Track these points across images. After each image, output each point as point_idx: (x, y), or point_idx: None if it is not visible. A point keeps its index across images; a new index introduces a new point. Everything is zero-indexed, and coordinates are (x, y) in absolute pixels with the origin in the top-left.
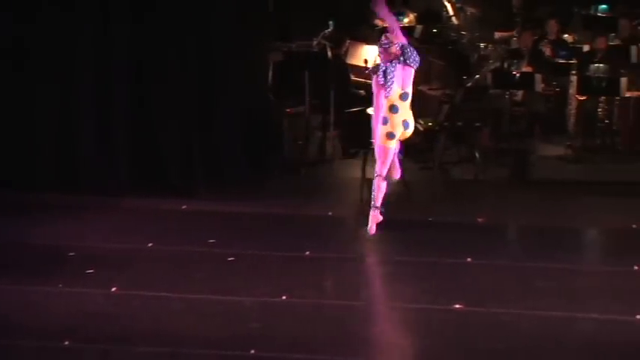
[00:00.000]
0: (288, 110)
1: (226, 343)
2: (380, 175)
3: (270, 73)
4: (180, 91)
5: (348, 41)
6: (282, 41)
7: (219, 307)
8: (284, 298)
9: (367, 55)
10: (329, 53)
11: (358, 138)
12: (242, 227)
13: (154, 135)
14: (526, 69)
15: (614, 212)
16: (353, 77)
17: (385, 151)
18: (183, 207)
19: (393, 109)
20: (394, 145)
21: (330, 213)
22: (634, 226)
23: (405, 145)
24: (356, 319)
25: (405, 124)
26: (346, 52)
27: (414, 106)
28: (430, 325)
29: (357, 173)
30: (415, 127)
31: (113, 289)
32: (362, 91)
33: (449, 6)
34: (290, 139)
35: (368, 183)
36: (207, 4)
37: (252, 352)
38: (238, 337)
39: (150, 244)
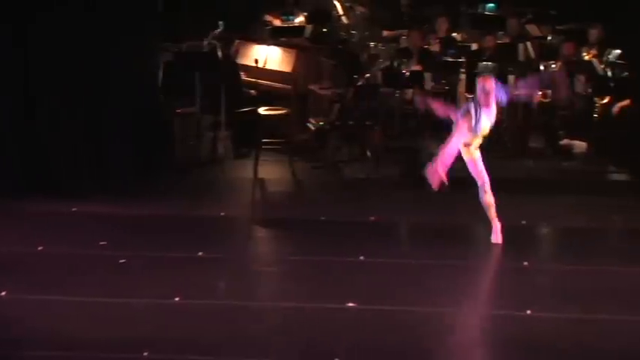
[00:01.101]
0: (178, 111)
1: (119, 346)
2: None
3: (160, 74)
4: (68, 93)
5: (238, 41)
6: (172, 42)
7: (112, 310)
8: (177, 299)
9: (257, 54)
10: (219, 53)
11: (249, 138)
12: (134, 229)
13: (43, 137)
14: (416, 68)
15: (504, 209)
16: (243, 77)
17: (474, 162)
18: (73, 209)
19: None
20: (477, 153)
21: (222, 213)
22: (524, 222)
23: (297, 145)
24: (249, 320)
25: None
26: (236, 52)
27: (305, 106)
28: (323, 323)
29: (249, 173)
30: (307, 126)
31: (3, 294)
32: (253, 91)
33: (338, 5)
34: (181, 139)
35: (260, 183)
36: (96, 4)
37: (145, 354)
38: (131, 339)
39: (40, 248)
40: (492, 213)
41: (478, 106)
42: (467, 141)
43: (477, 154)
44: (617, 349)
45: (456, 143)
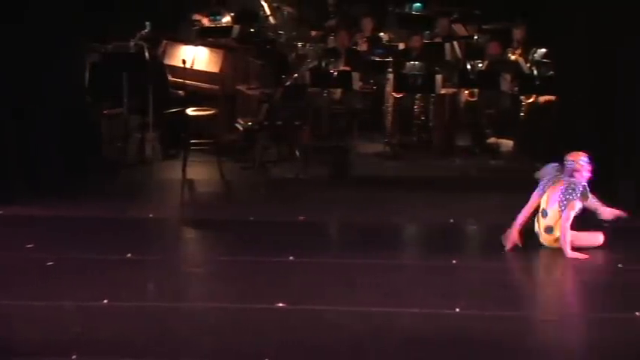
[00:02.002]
0: (105, 112)
1: (47, 349)
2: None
3: (87, 75)
4: None
5: (165, 42)
6: (99, 42)
7: (39, 313)
8: (105, 301)
9: (185, 55)
10: (146, 54)
11: (178, 139)
12: (61, 231)
13: None
14: (343, 67)
15: (433, 207)
16: (171, 78)
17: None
18: (0, 212)
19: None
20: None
21: (151, 215)
22: (452, 220)
23: (225, 145)
24: (179, 321)
25: (548, 230)
26: (164, 53)
27: (233, 107)
28: (253, 324)
29: (178, 174)
30: (235, 126)
31: None
32: (180, 92)
33: (266, 6)
34: (108, 140)
35: (189, 184)
36: (22, 3)
37: (74, 357)
38: (59, 342)
39: None
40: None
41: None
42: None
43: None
44: (546, 345)
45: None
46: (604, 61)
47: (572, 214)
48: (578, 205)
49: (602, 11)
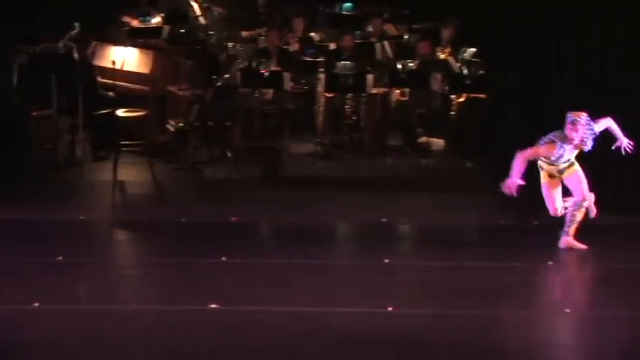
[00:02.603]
0: (34, 113)
1: None
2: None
3: (15, 76)
4: None
5: (95, 43)
6: (27, 43)
7: None
8: (36, 305)
9: (114, 56)
10: (75, 55)
11: (108, 140)
12: None
13: None
14: (274, 68)
15: (364, 207)
16: (101, 79)
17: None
18: None
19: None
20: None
21: (82, 217)
22: (384, 219)
23: (156, 146)
24: (111, 324)
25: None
26: (93, 54)
27: (164, 108)
28: (186, 325)
29: (108, 176)
30: (166, 127)
31: None
32: (111, 93)
33: (196, 6)
34: (38, 142)
35: (120, 185)
36: None
37: None
38: None
39: None
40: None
41: (565, 141)
42: (549, 171)
43: (566, 177)
44: (474, 343)
45: (525, 157)
46: (533, 60)
47: (534, 151)
48: (542, 150)
49: (532, 10)
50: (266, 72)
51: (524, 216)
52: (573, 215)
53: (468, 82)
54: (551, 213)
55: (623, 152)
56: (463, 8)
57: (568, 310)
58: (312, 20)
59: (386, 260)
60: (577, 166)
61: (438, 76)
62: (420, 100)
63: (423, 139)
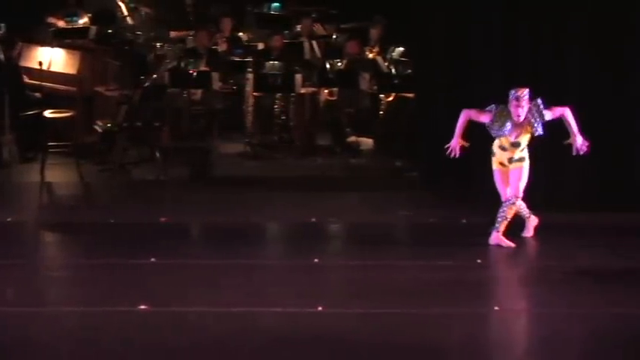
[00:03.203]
0: None
1: None
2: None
3: None
4: None
5: (21, 43)
6: None
7: None
8: None
9: (41, 57)
10: (1, 56)
11: (35, 141)
12: None
13: None
14: (203, 68)
15: (294, 207)
16: (27, 80)
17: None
18: None
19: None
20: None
21: (9, 219)
22: (313, 219)
23: (84, 147)
24: (40, 326)
25: (511, 160)
26: (19, 55)
27: (91, 108)
28: (115, 327)
29: (36, 177)
30: (93, 128)
31: None
32: (37, 94)
33: (123, 6)
34: None
35: (47, 187)
36: None
37: None
38: None
39: None
40: (524, 213)
41: (506, 114)
42: (500, 158)
43: (512, 168)
44: (403, 342)
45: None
46: (460, 59)
47: (478, 111)
48: (485, 117)
49: (458, 10)
50: (194, 72)
51: (453, 214)
52: (504, 212)
53: (396, 81)
54: (503, 198)
55: (574, 152)
56: (391, 8)
57: (497, 308)
58: (240, 20)
59: (315, 260)
60: (526, 164)
61: (367, 75)
62: (348, 100)
63: (352, 138)
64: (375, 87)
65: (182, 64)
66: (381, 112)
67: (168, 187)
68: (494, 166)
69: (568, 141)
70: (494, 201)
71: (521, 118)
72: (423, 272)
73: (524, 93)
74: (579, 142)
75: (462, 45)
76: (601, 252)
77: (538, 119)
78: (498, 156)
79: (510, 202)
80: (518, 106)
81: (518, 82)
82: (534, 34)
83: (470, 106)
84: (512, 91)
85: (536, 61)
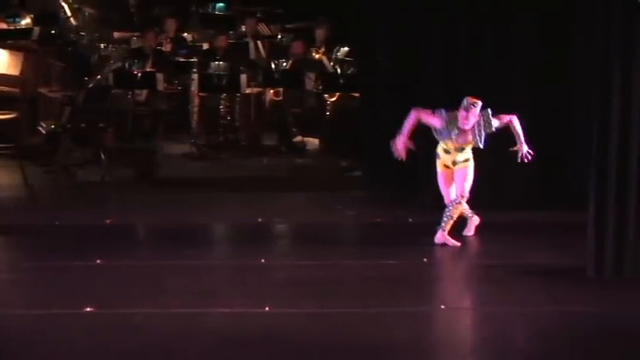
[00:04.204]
0: None
1: None
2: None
3: None
4: None
5: None
6: None
7: None
8: None
9: None
10: None
11: None
12: None
13: None
14: (148, 68)
15: (241, 207)
16: None
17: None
18: None
19: (447, 152)
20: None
21: None
22: (260, 219)
23: (28, 148)
24: None
25: (455, 163)
26: None
27: (35, 110)
28: (61, 330)
29: None
30: (37, 129)
31: None
32: None
33: (66, 7)
34: None
35: None
36: None
37: None
38: None
39: None
40: (467, 213)
41: (455, 120)
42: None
43: (457, 169)
44: (351, 341)
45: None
46: (405, 59)
47: (427, 113)
48: (436, 120)
49: (402, 9)
50: (139, 73)
51: (399, 213)
52: (450, 211)
53: (341, 81)
54: (446, 201)
55: (519, 160)
56: (336, 8)
57: (443, 307)
58: (185, 20)
59: (262, 260)
60: (471, 164)
61: (312, 75)
62: (294, 100)
63: (298, 138)
64: (321, 87)
65: (126, 65)
66: (327, 112)
67: (113, 188)
68: (439, 168)
69: (514, 148)
70: (440, 200)
71: (468, 127)
72: (369, 271)
73: (477, 105)
74: (524, 150)
75: (405, 45)
76: (546, 250)
77: (484, 131)
78: (443, 159)
79: (456, 201)
80: (466, 116)
81: (460, 81)
82: (477, 35)
83: (414, 106)
84: (465, 100)
85: (479, 62)
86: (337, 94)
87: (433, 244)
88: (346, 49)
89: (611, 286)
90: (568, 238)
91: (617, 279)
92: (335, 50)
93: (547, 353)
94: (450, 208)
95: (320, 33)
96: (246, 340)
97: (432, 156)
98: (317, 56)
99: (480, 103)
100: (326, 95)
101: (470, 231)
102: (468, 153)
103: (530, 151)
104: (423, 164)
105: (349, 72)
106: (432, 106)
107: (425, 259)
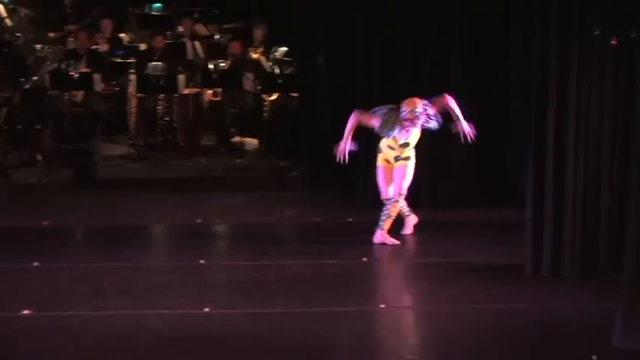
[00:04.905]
0: None
1: None
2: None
3: None
4: None
5: None
6: None
7: None
8: None
9: None
10: None
11: None
12: None
13: None
14: (84, 69)
15: (180, 208)
16: None
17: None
18: None
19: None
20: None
21: None
22: (199, 220)
23: None
24: None
25: (397, 159)
26: None
27: None
28: None
29: None
30: None
31: None
32: None
33: (1, 7)
34: None
35: None
36: None
37: None
38: None
39: None
40: (404, 211)
41: (395, 118)
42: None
43: (397, 166)
44: (290, 341)
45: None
46: (343, 59)
47: (369, 115)
48: (375, 121)
49: (340, 9)
50: (76, 74)
51: (338, 213)
52: (388, 210)
53: (280, 81)
54: (382, 196)
55: (463, 140)
56: (273, 7)
57: (383, 306)
58: (122, 21)
59: (202, 261)
60: (411, 163)
61: (250, 75)
62: (232, 100)
63: (237, 139)
64: (259, 87)
65: (63, 66)
66: (265, 113)
67: (50, 190)
68: (380, 162)
69: (455, 129)
70: (380, 199)
71: (410, 126)
72: (308, 271)
73: (418, 113)
74: (466, 126)
75: (344, 44)
76: (485, 248)
77: (429, 120)
78: (385, 153)
79: (393, 200)
80: (410, 125)
81: (399, 81)
82: (416, 34)
83: (353, 106)
84: (405, 111)
85: (418, 61)
86: (275, 94)
87: (373, 243)
88: (284, 49)
89: (548, 284)
90: (507, 236)
91: (554, 277)
92: (273, 50)
93: (485, 351)
94: (388, 207)
95: (258, 33)
96: (186, 341)
97: (372, 156)
98: (255, 56)
99: (419, 108)
100: (264, 95)
101: (408, 229)
102: (411, 151)
103: (470, 130)
104: (363, 164)
105: (288, 72)
106: (372, 105)
107: (364, 259)
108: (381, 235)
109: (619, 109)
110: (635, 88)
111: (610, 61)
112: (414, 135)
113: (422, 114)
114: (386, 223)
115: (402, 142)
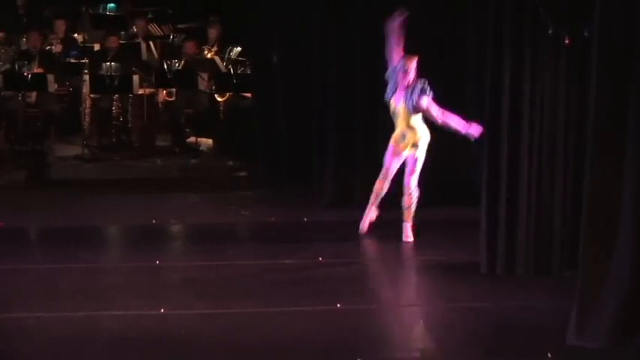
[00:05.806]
0: None
1: None
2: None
3: None
4: None
5: None
6: None
7: None
8: None
9: None
10: None
11: None
12: None
13: None
14: (37, 70)
15: (134, 209)
16: None
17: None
18: None
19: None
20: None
21: None
22: (154, 221)
23: None
24: None
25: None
26: None
27: None
28: None
29: None
30: None
31: None
32: None
33: None
34: None
35: None
36: None
37: None
38: None
39: None
40: (373, 201)
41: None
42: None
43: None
44: (247, 340)
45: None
46: (299, 59)
47: (428, 103)
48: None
49: (296, 9)
50: (29, 74)
51: (294, 212)
52: (403, 203)
53: (234, 81)
54: (385, 166)
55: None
56: (227, 7)
57: (339, 305)
58: (75, 21)
59: (157, 261)
60: (420, 154)
61: (205, 75)
62: (187, 101)
63: (192, 139)
64: (214, 87)
65: (16, 67)
66: (220, 113)
67: (3, 191)
68: (391, 141)
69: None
70: (335, 201)
71: (406, 84)
72: (264, 271)
73: (411, 62)
74: (472, 132)
75: (297, 43)
76: (442, 247)
77: (415, 96)
78: (396, 136)
79: (408, 192)
80: (405, 76)
81: (355, 81)
82: (372, 33)
83: (307, 106)
84: (401, 63)
85: (374, 61)
86: (230, 94)
87: (328, 242)
88: (239, 48)
89: (502, 282)
90: (464, 234)
91: (508, 276)
92: (228, 50)
93: (440, 348)
94: (404, 199)
95: (212, 33)
96: (142, 342)
97: (326, 156)
98: (209, 56)
99: (415, 58)
100: (216, 95)
101: (364, 226)
102: (420, 140)
103: (473, 131)
104: (318, 164)
105: (242, 72)
106: (325, 105)
107: (320, 258)
108: (406, 230)
109: (572, 109)
110: (589, 88)
111: (563, 60)
112: (400, 106)
113: (411, 73)
114: (407, 216)
115: (392, 109)
